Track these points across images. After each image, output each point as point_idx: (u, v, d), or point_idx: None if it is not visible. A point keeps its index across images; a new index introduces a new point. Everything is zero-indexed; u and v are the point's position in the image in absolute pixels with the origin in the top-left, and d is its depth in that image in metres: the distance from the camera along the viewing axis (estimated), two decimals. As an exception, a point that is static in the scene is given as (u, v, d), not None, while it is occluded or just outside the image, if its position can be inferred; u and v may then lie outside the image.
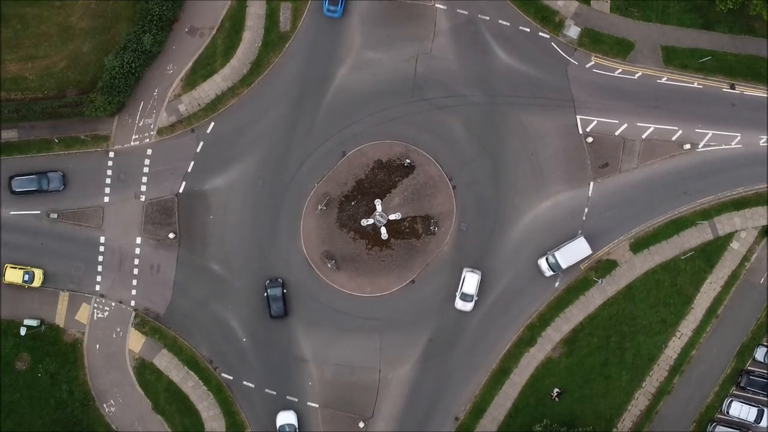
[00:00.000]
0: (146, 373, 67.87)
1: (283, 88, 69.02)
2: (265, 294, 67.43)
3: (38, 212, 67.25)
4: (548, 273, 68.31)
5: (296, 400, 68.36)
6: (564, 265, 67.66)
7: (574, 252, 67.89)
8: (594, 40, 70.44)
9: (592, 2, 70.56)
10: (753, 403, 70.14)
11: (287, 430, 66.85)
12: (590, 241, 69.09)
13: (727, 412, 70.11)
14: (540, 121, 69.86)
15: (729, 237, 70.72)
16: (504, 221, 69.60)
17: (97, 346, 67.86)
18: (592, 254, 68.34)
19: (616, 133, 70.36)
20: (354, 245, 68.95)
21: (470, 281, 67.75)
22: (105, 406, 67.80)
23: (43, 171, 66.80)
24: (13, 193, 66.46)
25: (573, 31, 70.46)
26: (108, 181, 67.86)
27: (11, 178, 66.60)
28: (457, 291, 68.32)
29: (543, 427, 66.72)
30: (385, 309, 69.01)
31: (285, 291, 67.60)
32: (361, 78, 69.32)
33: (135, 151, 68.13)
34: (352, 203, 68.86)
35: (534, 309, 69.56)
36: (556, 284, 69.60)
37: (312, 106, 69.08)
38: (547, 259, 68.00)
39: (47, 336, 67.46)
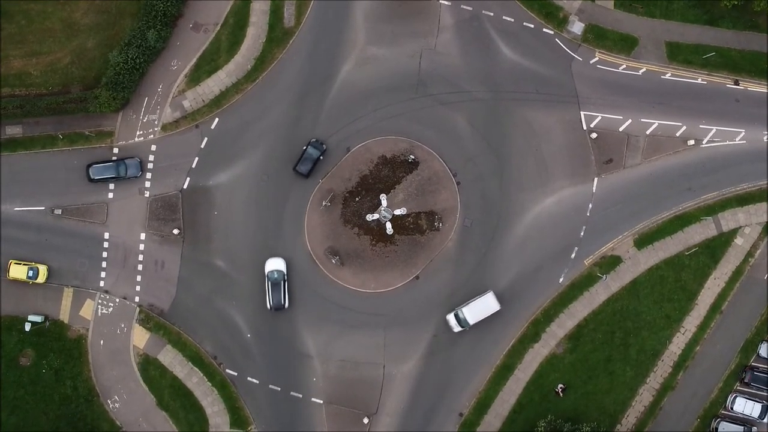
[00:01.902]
0: (150, 369, 67.88)
1: (287, 84, 69.01)
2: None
3: (43, 208, 67.25)
4: (456, 329, 67.87)
5: (300, 396, 68.40)
6: (471, 322, 67.26)
7: (482, 308, 67.44)
8: (598, 36, 70.45)
9: (596, -2, 70.81)
10: (757, 399, 70.22)
11: (275, 276, 66.65)
12: (594, 236, 69.24)
13: (731, 408, 70.19)
14: (544, 117, 69.89)
15: (733, 233, 70.77)
16: (508, 217, 69.62)
17: (102, 342, 67.86)
18: (500, 309, 67.77)
19: (620, 129, 70.39)
20: (358, 241, 68.96)
21: (480, 310, 67.31)
22: (109, 401, 67.80)
23: (120, 158, 67.09)
24: (91, 180, 66.75)
25: (577, 27, 70.46)
26: (87, 180, 67.54)
27: (88, 166, 66.85)
28: (461, 305, 67.90)
29: (547, 423, 66.74)
30: (390, 305, 69.02)
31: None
32: (365, 74, 69.32)
33: (139, 147, 68.12)
34: (357, 199, 68.87)
35: (538, 305, 69.60)
36: (560, 280, 69.62)
37: (316, 102, 69.08)
38: (456, 315, 67.62)
39: (51, 332, 67.44)
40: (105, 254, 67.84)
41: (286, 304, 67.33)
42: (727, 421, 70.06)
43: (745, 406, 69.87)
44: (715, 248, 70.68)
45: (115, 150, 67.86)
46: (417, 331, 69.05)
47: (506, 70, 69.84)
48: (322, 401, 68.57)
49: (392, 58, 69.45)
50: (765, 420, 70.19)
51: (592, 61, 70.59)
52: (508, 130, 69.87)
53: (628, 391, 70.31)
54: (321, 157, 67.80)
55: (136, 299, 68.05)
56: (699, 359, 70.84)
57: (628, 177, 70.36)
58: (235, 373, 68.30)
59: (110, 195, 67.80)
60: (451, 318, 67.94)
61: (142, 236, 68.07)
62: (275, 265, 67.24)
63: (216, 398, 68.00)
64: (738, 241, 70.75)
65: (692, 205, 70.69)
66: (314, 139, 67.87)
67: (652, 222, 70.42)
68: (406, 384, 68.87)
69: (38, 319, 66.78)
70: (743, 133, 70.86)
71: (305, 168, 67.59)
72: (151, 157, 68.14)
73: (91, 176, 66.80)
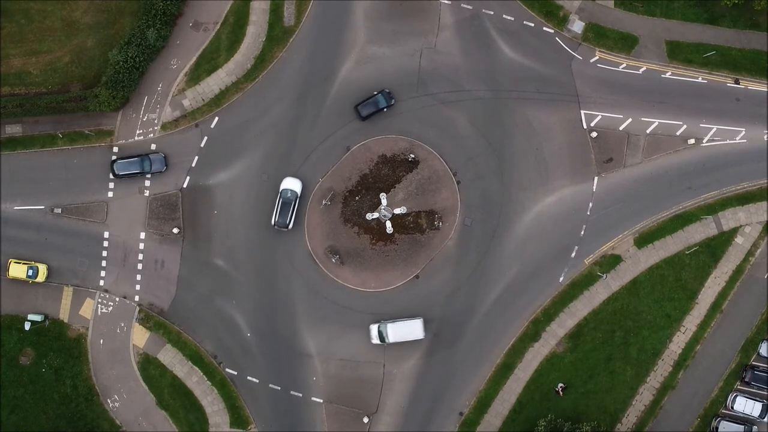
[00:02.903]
0: (150, 368, 67.85)
1: (287, 83, 68.97)
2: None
3: (42, 207, 67.21)
4: (375, 340, 67.48)
5: (301, 395, 68.36)
6: (391, 339, 66.87)
7: (407, 332, 66.99)
8: (598, 35, 70.40)
9: (596, -3, 70.76)
10: (757, 398, 70.14)
11: (288, 195, 66.81)
12: (594, 235, 69.24)
13: (732, 407, 70.10)
14: (544, 116, 69.83)
15: (733, 232, 70.72)
16: (508, 216, 69.57)
17: (101, 341, 67.83)
18: (422, 339, 67.49)
19: (621, 128, 70.34)
20: (358, 240, 68.91)
21: (403, 332, 66.81)
22: (109, 401, 67.77)
23: (144, 153, 67.14)
24: (116, 176, 66.77)
25: (577, 26, 70.40)
26: (112, 176, 67.72)
27: (113, 161, 66.92)
28: (388, 320, 67.58)
29: (547, 422, 66.68)
30: (390, 304, 68.94)
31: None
32: (365, 73, 69.26)
33: (139, 146, 68.07)
34: (357, 198, 68.82)
35: (538, 304, 69.56)
36: (561, 279, 69.59)
37: (316, 101, 69.02)
38: (378, 327, 67.34)
39: (51, 331, 67.43)
40: (105, 253, 67.80)
41: (290, 225, 67.31)
42: (727, 420, 70.00)
43: (745, 406, 69.79)
44: (715, 247, 70.63)
45: (115, 149, 67.81)
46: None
47: (506, 69, 69.78)
48: (322, 400, 68.53)
49: (392, 57, 69.40)
50: (765, 419, 70.13)
51: (592, 60, 70.54)
52: (509, 129, 69.82)
53: (629, 390, 70.27)
54: (385, 110, 67.82)
55: (136, 298, 68.00)
56: (699, 358, 70.79)
57: (629, 176, 70.32)
58: (235, 373, 68.26)
59: (110, 194, 67.77)
60: (373, 329, 67.61)
61: (142, 235, 68.02)
62: (291, 184, 67.35)
63: (216, 397, 67.96)
64: (738, 240, 70.70)
65: (692, 204, 70.64)
66: (387, 90, 67.87)
67: (652, 221, 70.37)
68: (406, 383, 68.83)
69: (38, 318, 66.74)
70: (744, 132, 70.81)
71: (366, 111, 67.60)
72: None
73: (116, 172, 66.76)
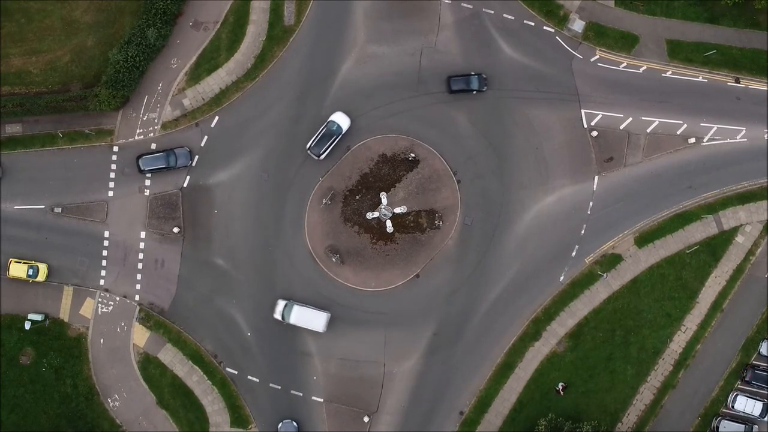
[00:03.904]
0: (150, 367, 67.82)
1: (287, 83, 68.94)
2: None
3: (42, 207, 67.17)
4: (277, 315, 67.18)
5: (301, 394, 68.34)
6: (291, 321, 66.50)
7: (309, 318, 66.69)
8: (598, 34, 70.36)
9: (596, -4, 70.72)
10: (758, 398, 70.13)
11: (333, 128, 66.99)
12: (595, 235, 69.32)
13: (732, 407, 70.09)
14: (544, 115, 69.80)
15: (734, 231, 70.69)
16: (508, 215, 69.55)
17: (102, 340, 67.80)
18: (322, 333, 67.35)
19: (621, 127, 70.31)
20: (358, 239, 68.89)
21: (306, 318, 66.54)
22: (109, 400, 67.75)
23: (169, 148, 67.22)
24: (142, 172, 66.81)
25: (577, 25, 70.37)
26: (112, 175, 67.76)
27: (138, 157, 66.91)
28: (299, 302, 67.36)
29: (548, 422, 66.65)
30: (390, 303, 68.96)
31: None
32: (365, 72, 69.24)
33: (139, 145, 68.03)
34: (357, 197, 68.80)
35: (539, 303, 69.54)
36: (561, 278, 69.57)
37: (316, 101, 68.98)
38: (285, 305, 66.99)
39: (51, 330, 67.39)
40: (105, 252, 67.77)
41: (323, 157, 67.39)
42: (728, 420, 69.99)
43: (746, 405, 69.78)
44: (716, 246, 70.60)
45: (115, 148, 67.78)
46: (417, 330, 69.01)
47: (506, 68, 69.74)
48: (322, 400, 68.51)
49: (393, 56, 69.37)
50: (766, 418, 70.10)
51: (592, 59, 70.50)
52: (509, 129, 69.79)
53: (629, 390, 70.25)
54: (474, 92, 68.38)
55: (136, 298, 67.97)
56: (700, 357, 70.77)
57: (629, 175, 70.29)
58: (236, 372, 68.24)
59: (110, 193, 67.74)
60: (279, 305, 67.15)
61: (142, 235, 67.99)
62: (340, 119, 67.37)
63: (216, 397, 67.94)
64: (739, 239, 70.66)
65: (693, 203, 70.62)
66: (485, 76, 68.40)
67: (652, 220, 70.35)
68: (406, 382, 68.81)
69: (38, 317, 66.72)
70: (744, 131, 70.78)
71: (457, 86, 68.15)
72: (151, 156, 68.22)
73: (141, 168, 66.76)
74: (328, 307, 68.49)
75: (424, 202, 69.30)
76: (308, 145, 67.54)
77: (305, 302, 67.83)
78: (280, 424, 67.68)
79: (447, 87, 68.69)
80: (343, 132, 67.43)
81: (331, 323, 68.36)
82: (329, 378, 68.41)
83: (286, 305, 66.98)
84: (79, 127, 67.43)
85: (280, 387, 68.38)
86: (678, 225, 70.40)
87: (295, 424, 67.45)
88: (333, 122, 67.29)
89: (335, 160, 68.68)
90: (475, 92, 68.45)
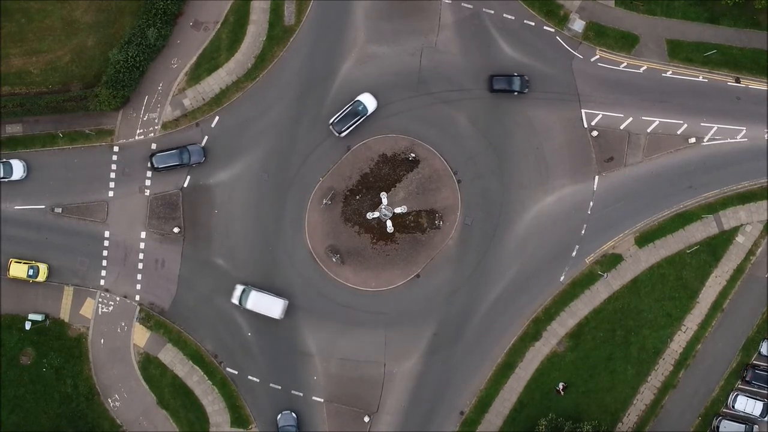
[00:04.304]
0: (151, 367, 67.82)
1: (287, 82, 68.94)
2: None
3: (43, 207, 67.19)
4: (234, 300, 66.91)
5: (301, 394, 68.32)
6: (248, 306, 66.20)
7: (267, 305, 66.41)
8: (599, 34, 70.34)
9: (596, -4, 70.70)
10: (758, 397, 70.07)
11: (359, 108, 67.05)
12: (595, 234, 69.34)
13: (733, 407, 70.05)
14: (545, 115, 69.78)
15: (734, 231, 70.65)
16: (509, 215, 69.53)
17: (102, 340, 67.81)
18: (278, 319, 66.92)
19: (621, 127, 70.29)
20: (359, 239, 68.88)
21: (263, 304, 66.32)
22: (110, 400, 67.75)
23: (182, 145, 67.13)
24: (155, 169, 66.78)
25: (578, 25, 70.36)
26: (112, 175, 67.79)
27: (151, 155, 66.91)
28: (256, 287, 67.10)
29: (548, 422, 66.64)
30: (390, 303, 68.95)
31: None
32: (365, 72, 69.22)
33: (139, 145, 68.06)
34: (357, 197, 68.79)
35: (539, 303, 69.52)
36: (561, 278, 69.55)
37: (316, 101, 68.99)
38: (243, 289, 66.71)
39: (52, 330, 67.40)
40: (105, 253, 67.78)
41: (343, 135, 67.68)
42: (728, 420, 69.96)
43: (746, 405, 69.73)
44: (716, 246, 70.57)
45: (115, 148, 67.79)
46: (418, 330, 68.99)
47: (507, 67, 69.69)
48: (322, 400, 68.50)
49: (393, 56, 69.36)
50: (766, 418, 70.05)
51: (592, 59, 70.48)
52: (509, 129, 69.77)
53: (630, 390, 70.23)
54: (515, 94, 68.44)
55: (137, 298, 67.98)
56: (700, 357, 70.74)
57: (629, 175, 70.26)
58: (236, 372, 68.23)
59: (110, 193, 67.75)
60: (237, 289, 66.89)
61: (143, 235, 68.00)
62: (367, 99, 67.76)
63: (216, 397, 67.93)
64: (739, 239, 70.64)
65: (693, 203, 70.59)
66: (527, 78, 68.64)
67: (653, 220, 70.33)
68: (406, 382, 68.80)
69: (38, 317, 66.73)
70: (744, 131, 70.75)
71: (499, 85, 68.26)
72: (152, 156, 68.24)
73: (155, 165, 66.78)
74: (328, 307, 68.53)
75: (425, 202, 69.29)
76: (331, 120, 67.60)
77: (264, 288, 67.51)
78: (279, 416, 67.53)
79: (489, 85, 68.71)
80: (368, 113, 67.53)
81: (330, 323, 68.37)
82: (329, 378, 68.41)
83: (243, 290, 66.68)
84: (80, 127, 67.45)
85: (280, 387, 68.37)
86: (678, 225, 70.37)
87: (294, 415, 67.34)
88: (359, 102, 67.47)
89: (335, 160, 68.69)
90: (516, 93, 68.50)
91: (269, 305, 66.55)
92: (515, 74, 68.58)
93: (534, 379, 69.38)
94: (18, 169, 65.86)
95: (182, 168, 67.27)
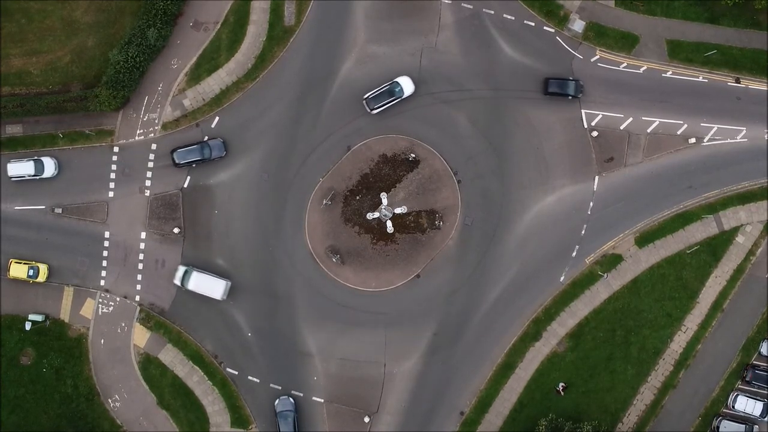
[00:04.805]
0: (151, 367, 67.85)
1: (287, 83, 68.95)
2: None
3: (43, 207, 67.24)
4: (176, 281, 66.69)
5: (301, 394, 68.34)
6: (190, 287, 66.06)
7: (207, 285, 66.10)
8: (599, 34, 70.32)
9: (596, -4, 70.69)
10: (758, 398, 70.04)
11: (396, 89, 67.10)
12: (595, 235, 69.33)
13: (733, 407, 70.02)
14: (545, 115, 69.78)
15: (734, 231, 70.62)
16: (509, 215, 69.52)
17: (102, 341, 67.84)
18: (220, 300, 66.96)
19: (621, 127, 70.28)
20: (359, 240, 68.89)
21: (205, 285, 66.09)
22: (110, 400, 67.78)
23: (203, 140, 67.27)
24: (177, 165, 66.75)
25: (578, 25, 70.34)
26: (112, 175, 67.84)
27: (172, 151, 66.91)
28: (199, 268, 66.91)
29: (548, 422, 66.61)
30: (390, 303, 68.96)
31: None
32: (365, 72, 69.22)
33: (140, 145, 68.09)
34: (357, 197, 68.80)
35: (539, 303, 69.51)
36: (561, 278, 69.55)
37: (316, 101, 69.00)
38: (185, 270, 66.49)
39: (52, 331, 67.45)
40: (105, 253, 67.82)
41: (375, 113, 68.09)
42: (728, 420, 69.93)
43: (746, 405, 69.70)
44: (716, 246, 70.55)
45: (116, 149, 67.82)
46: (418, 330, 69.00)
47: (507, 68, 69.73)
48: (322, 400, 68.51)
49: (393, 57, 69.35)
50: (766, 418, 70.03)
51: (593, 60, 70.47)
52: (509, 129, 69.77)
53: (630, 390, 70.21)
54: (569, 98, 68.66)
55: (137, 298, 68.01)
56: (700, 357, 70.73)
57: (629, 175, 70.25)
58: (236, 372, 68.26)
59: (110, 194, 67.79)
60: (180, 270, 66.66)
61: (143, 235, 68.02)
62: (405, 82, 67.79)
63: (216, 397, 67.95)
64: (739, 239, 70.63)
65: (693, 203, 70.57)
66: (582, 83, 68.67)
67: (653, 220, 70.32)
68: (406, 383, 68.80)
69: (39, 318, 66.77)
70: (744, 131, 70.72)
71: (553, 89, 68.32)
72: (152, 156, 68.12)
73: (176, 161, 66.73)
74: (328, 307, 68.57)
75: (425, 202, 69.30)
76: (366, 95, 67.75)
77: (206, 269, 67.41)
78: (276, 401, 67.40)
79: (543, 88, 68.96)
80: (404, 96, 67.65)
81: (330, 323, 68.38)
82: (329, 378, 68.42)
83: (186, 271, 66.49)
84: (80, 127, 67.48)
85: (280, 387, 68.38)
86: (678, 225, 70.35)
87: (291, 400, 67.26)
88: (397, 83, 67.62)
89: (335, 160, 68.69)
90: (570, 97, 68.71)
91: (211, 286, 66.20)
92: (570, 78, 68.88)
93: (534, 380, 69.38)
94: (50, 166, 65.97)
95: (203, 163, 67.18)
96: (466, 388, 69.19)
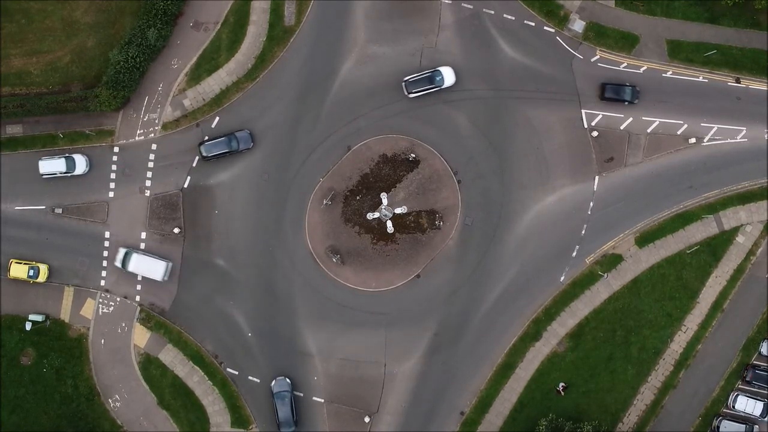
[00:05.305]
0: (151, 368, 67.85)
1: (287, 83, 68.95)
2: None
3: (43, 207, 67.24)
4: (117, 263, 66.51)
5: (301, 394, 68.34)
6: (130, 269, 65.91)
7: (148, 267, 65.97)
8: (599, 34, 70.34)
9: (596, -4, 70.70)
10: (759, 398, 70.06)
11: (437, 79, 67.22)
12: (595, 235, 69.31)
13: (733, 407, 70.04)
14: (545, 115, 69.79)
15: (734, 231, 70.64)
16: (509, 215, 69.53)
17: (102, 341, 67.84)
18: (161, 282, 66.88)
19: (621, 127, 70.30)
20: (359, 240, 68.89)
21: (146, 266, 65.92)
22: (110, 401, 67.77)
23: (230, 132, 67.28)
24: (205, 158, 66.85)
25: (578, 25, 70.36)
26: (113, 176, 67.85)
27: (200, 144, 66.95)
28: (139, 250, 66.89)
29: (548, 422, 66.63)
30: (391, 304, 68.96)
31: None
32: (365, 72, 69.23)
33: (140, 145, 68.10)
34: (357, 198, 68.81)
35: (539, 303, 69.52)
36: (562, 278, 69.55)
37: (317, 101, 69.00)
38: (125, 252, 66.23)
39: (52, 331, 67.44)
40: (106, 253, 67.81)
41: (411, 96, 68.11)
42: (728, 420, 69.94)
43: (746, 405, 69.72)
44: (716, 246, 70.57)
45: (116, 149, 67.82)
46: (418, 330, 68.99)
47: (507, 68, 69.74)
48: (323, 400, 68.51)
49: (393, 57, 69.37)
50: (767, 418, 70.05)
51: (593, 59, 70.48)
52: (509, 129, 69.78)
53: (630, 390, 70.22)
54: (626, 104, 68.67)
55: (137, 298, 68.01)
56: (700, 357, 70.74)
57: (630, 175, 70.27)
58: (236, 372, 68.26)
59: (111, 194, 67.79)
60: (120, 252, 66.48)
61: (143, 235, 68.03)
62: (447, 73, 68.03)
63: (217, 397, 67.95)
64: (739, 239, 70.65)
65: (693, 203, 70.59)
66: (638, 88, 69.04)
67: (653, 220, 70.33)
68: (407, 383, 68.81)
69: (39, 318, 66.77)
70: (744, 131, 70.74)
71: (610, 94, 68.49)
72: (152, 156, 68.13)
73: (204, 154, 66.76)
74: (328, 307, 68.57)
75: (425, 202, 69.31)
76: (406, 78, 67.93)
77: (148, 252, 67.35)
78: (273, 382, 67.36)
79: (600, 93, 69.13)
80: (443, 86, 67.78)
81: (331, 323, 68.36)
82: (330, 378, 68.43)
83: (126, 253, 66.32)
84: (80, 127, 67.48)
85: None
86: (678, 225, 70.37)
87: (288, 380, 67.21)
88: (439, 72, 67.83)
89: (335, 161, 68.69)
90: (627, 103, 68.89)
91: (151, 267, 66.09)
92: (627, 84, 68.99)
93: (534, 380, 69.38)
94: (81, 163, 66.02)
95: (231, 155, 67.18)
96: (466, 388, 69.19)
